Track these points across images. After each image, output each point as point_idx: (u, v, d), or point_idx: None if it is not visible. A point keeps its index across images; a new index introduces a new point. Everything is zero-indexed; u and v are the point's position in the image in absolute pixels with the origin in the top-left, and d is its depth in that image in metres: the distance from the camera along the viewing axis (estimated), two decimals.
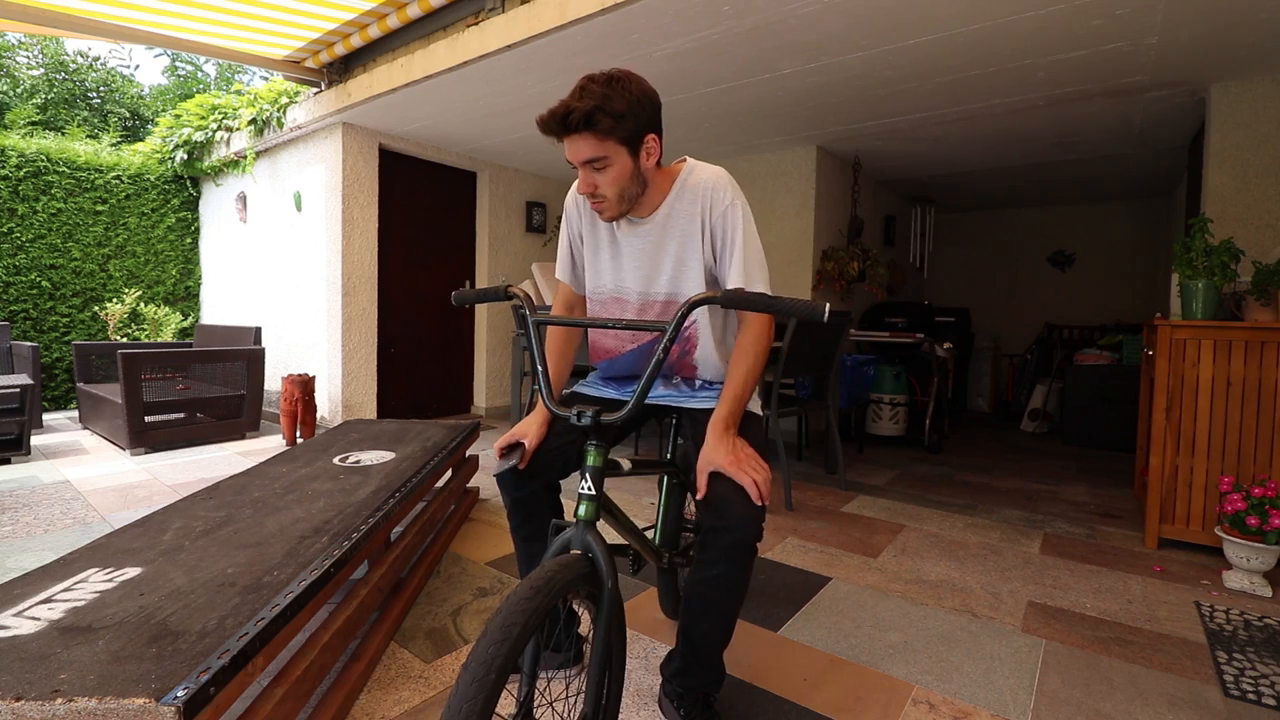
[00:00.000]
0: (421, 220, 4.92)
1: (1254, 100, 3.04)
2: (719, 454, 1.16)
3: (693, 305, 1.03)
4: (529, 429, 1.30)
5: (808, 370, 3.12)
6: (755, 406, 1.41)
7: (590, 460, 1.04)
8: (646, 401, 1.44)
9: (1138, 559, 2.37)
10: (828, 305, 0.95)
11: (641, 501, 2.90)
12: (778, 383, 2.86)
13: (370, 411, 4.50)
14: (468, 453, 2.89)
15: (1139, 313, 5.94)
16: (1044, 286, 6.58)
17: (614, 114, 1.13)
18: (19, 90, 7.40)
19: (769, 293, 1.21)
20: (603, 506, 1.09)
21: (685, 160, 1.33)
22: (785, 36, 2.73)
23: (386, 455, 2.27)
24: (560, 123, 1.13)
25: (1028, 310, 6.63)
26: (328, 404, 4.43)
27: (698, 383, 1.43)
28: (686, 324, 1.35)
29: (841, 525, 2.67)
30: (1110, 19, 2.49)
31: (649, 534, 1.54)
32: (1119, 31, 2.59)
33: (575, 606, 1.38)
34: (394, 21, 3.38)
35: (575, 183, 1.36)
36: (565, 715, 1.30)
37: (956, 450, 4.37)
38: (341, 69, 4.00)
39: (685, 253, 1.30)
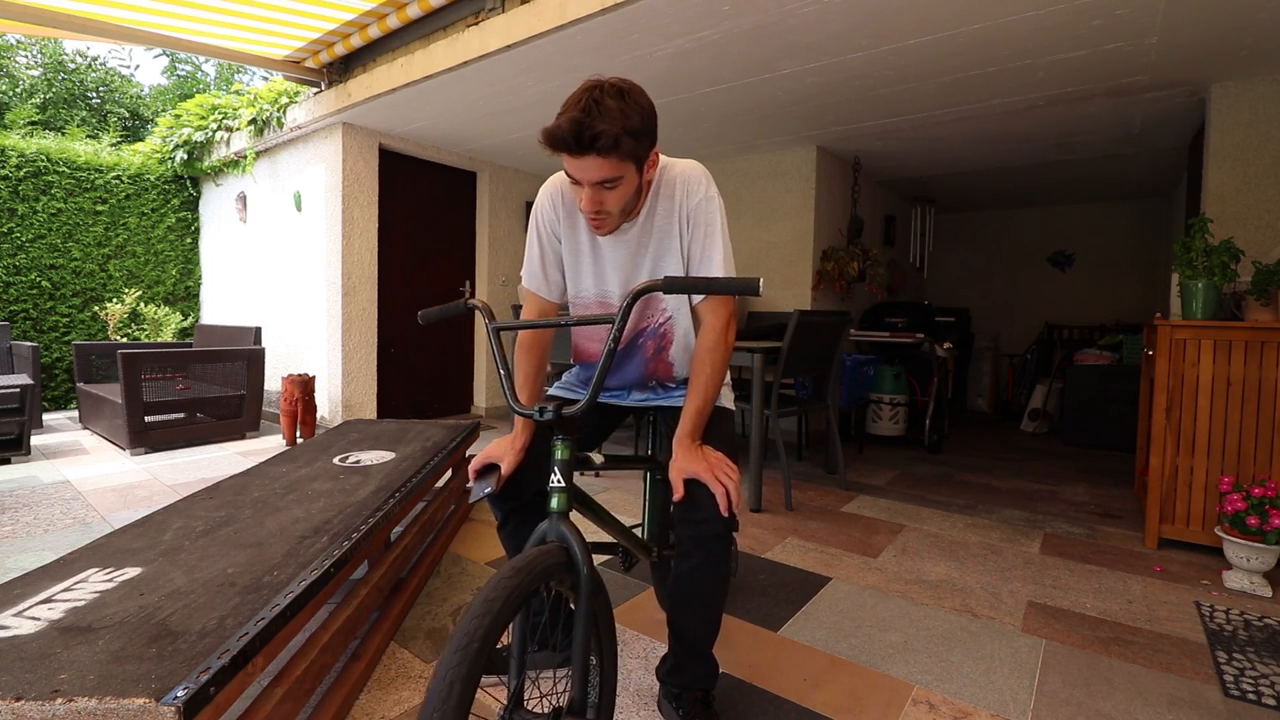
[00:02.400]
0: (421, 220, 4.92)
1: (1254, 100, 3.04)
2: (690, 463, 1.18)
3: (637, 294, 1.03)
4: (504, 452, 1.29)
5: (808, 370, 3.12)
6: (726, 400, 1.41)
7: (558, 454, 1.07)
8: (625, 404, 1.47)
9: (1138, 559, 2.37)
10: (760, 280, 0.99)
11: (640, 502, 2.89)
12: (778, 383, 2.86)
13: (370, 411, 4.50)
14: (468, 453, 2.89)
15: (1139, 313, 5.94)
16: (1044, 286, 6.58)
17: (634, 133, 1.08)
18: (19, 90, 7.40)
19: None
20: (575, 498, 1.11)
21: (658, 158, 1.29)
22: (785, 36, 2.73)
23: (386, 455, 2.27)
24: (580, 141, 1.05)
25: (1028, 310, 6.63)
26: (328, 404, 4.43)
27: (673, 384, 1.45)
28: (660, 320, 1.37)
29: (841, 525, 2.67)
30: (1110, 19, 2.49)
31: (637, 531, 1.56)
32: (1119, 31, 2.59)
33: (572, 605, 1.38)
34: (394, 21, 3.38)
35: (549, 185, 1.35)
36: (555, 702, 1.31)
37: (956, 450, 4.37)
38: (341, 69, 4.00)
39: (663, 250, 1.29)
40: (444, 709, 0.75)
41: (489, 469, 1.29)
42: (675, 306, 1.35)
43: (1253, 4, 2.37)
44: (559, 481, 1.06)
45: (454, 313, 1.21)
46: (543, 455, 1.31)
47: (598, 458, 1.23)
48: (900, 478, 3.55)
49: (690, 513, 1.18)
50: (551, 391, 1.52)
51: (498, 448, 1.30)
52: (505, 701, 0.96)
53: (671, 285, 1.03)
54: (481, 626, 0.82)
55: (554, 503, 1.06)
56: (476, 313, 5.27)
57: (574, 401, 1.06)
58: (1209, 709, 1.44)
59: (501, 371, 1.11)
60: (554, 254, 1.38)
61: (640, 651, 1.63)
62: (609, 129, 1.05)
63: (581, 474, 3.29)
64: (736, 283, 1.01)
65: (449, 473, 2.60)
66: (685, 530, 1.20)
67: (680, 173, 1.27)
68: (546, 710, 0.96)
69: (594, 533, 2.31)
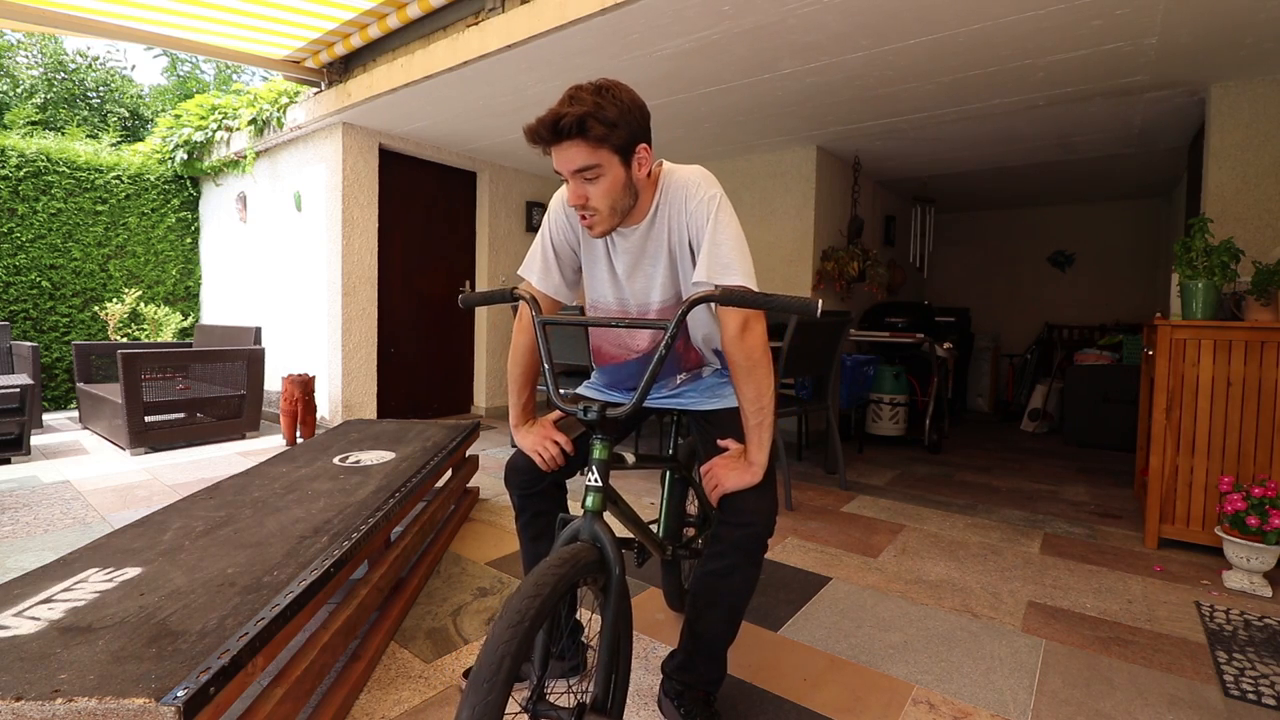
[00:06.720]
0: (421, 220, 4.92)
1: (1254, 100, 3.04)
2: (730, 479, 1.19)
3: (693, 303, 1.03)
4: (550, 437, 1.27)
5: (808, 370, 3.12)
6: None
7: (596, 453, 1.08)
8: (650, 404, 1.46)
9: (1138, 559, 2.37)
10: (819, 301, 0.97)
11: (642, 501, 2.89)
12: (778, 383, 2.86)
13: (370, 411, 4.50)
14: (468, 453, 2.89)
15: (1139, 313, 5.94)
16: (1044, 286, 6.57)
17: (606, 121, 1.10)
18: (19, 90, 7.40)
19: (750, 280, 1.20)
20: (608, 498, 1.12)
21: (662, 164, 1.30)
22: (785, 36, 2.73)
23: (386, 455, 2.27)
24: (551, 129, 1.09)
25: (1028, 310, 6.63)
26: (328, 404, 4.43)
27: (706, 370, 1.43)
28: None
29: (841, 525, 2.67)
30: (1110, 19, 2.49)
31: (653, 527, 1.56)
32: (1119, 31, 2.59)
33: (579, 616, 1.38)
34: (394, 21, 3.38)
35: (561, 191, 1.34)
36: (578, 698, 1.32)
37: (956, 450, 4.37)
38: (341, 69, 3.99)
39: (677, 257, 1.29)
40: (494, 680, 0.78)
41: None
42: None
43: (1253, 4, 2.37)
44: (595, 481, 1.07)
45: (496, 300, 1.20)
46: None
47: (629, 457, 1.23)
48: (900, 478, 3.55)
49: (731, 514, 1.18)
50: (577, 391, 1.53)
51: (536, 440, 1.27)
52: (528, 696, 0.97)
53: (728, 298, 1.02)
54: (532, 607, 0.84)
55: (589, 502, 1.07)
56: (476, 312, 5.30)
57: (618, 403, 1.06)
58: (1209, 709, 1.44)
59: (546, 366, 1.12)
60: (554, 257, 1.38)
61: (640, 651, 1.62)
62: (575, 112, 1.08)
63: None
64: (795, 302, 0.97)
65: (449, 473, 2.60)
66: (723, 530, 1.19)
67: (680, 179, 1.27)
68: (570, 704, 0.98)
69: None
